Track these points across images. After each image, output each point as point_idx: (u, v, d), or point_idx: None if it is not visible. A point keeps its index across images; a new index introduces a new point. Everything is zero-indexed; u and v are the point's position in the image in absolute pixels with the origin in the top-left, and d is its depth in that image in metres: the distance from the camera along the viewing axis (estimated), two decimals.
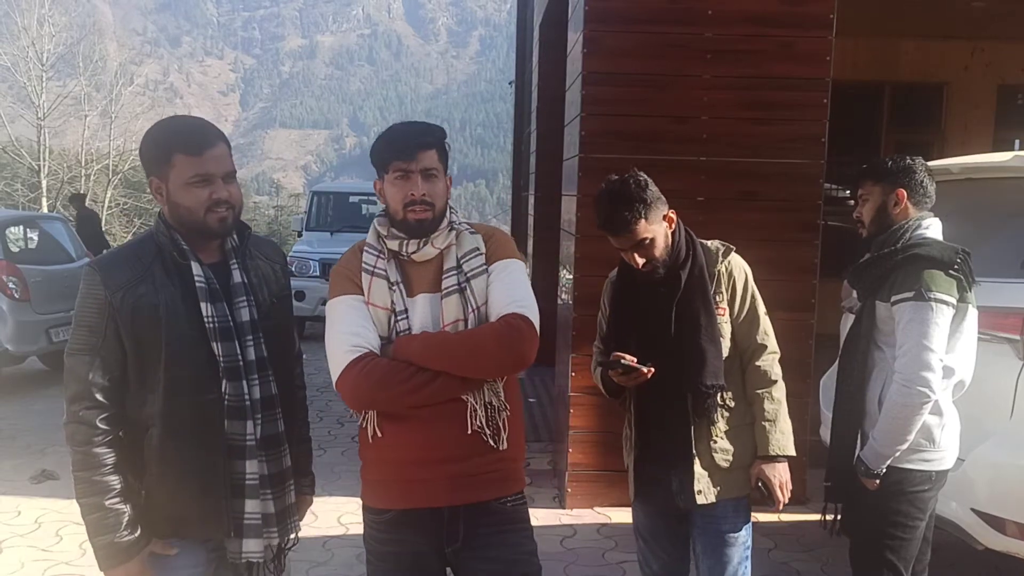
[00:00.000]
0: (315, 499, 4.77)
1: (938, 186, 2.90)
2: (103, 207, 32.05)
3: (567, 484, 4.85)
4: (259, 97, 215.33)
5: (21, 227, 8.92)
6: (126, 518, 2.02)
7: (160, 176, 2.05)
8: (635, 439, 2.65)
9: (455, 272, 2.13)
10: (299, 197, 53.19)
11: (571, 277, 4.81)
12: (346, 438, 6.35)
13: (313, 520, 4.57)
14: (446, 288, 2.11)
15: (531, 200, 8.97)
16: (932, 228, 2.82)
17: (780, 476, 2.54)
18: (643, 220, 2.44)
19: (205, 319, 2.02)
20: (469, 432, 2.07)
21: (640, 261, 2.49)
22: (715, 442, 2.54)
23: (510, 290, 2.12)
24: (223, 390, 2.04)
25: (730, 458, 2.56)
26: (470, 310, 2.09)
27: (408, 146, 2.11)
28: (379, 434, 2.11)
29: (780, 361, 2.66)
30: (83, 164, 31.86)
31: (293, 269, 11.02)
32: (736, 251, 2.64)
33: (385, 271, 2.13)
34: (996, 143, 8.95)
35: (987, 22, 8.39)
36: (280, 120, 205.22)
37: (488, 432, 2.09)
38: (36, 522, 4.58)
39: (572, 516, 4.74)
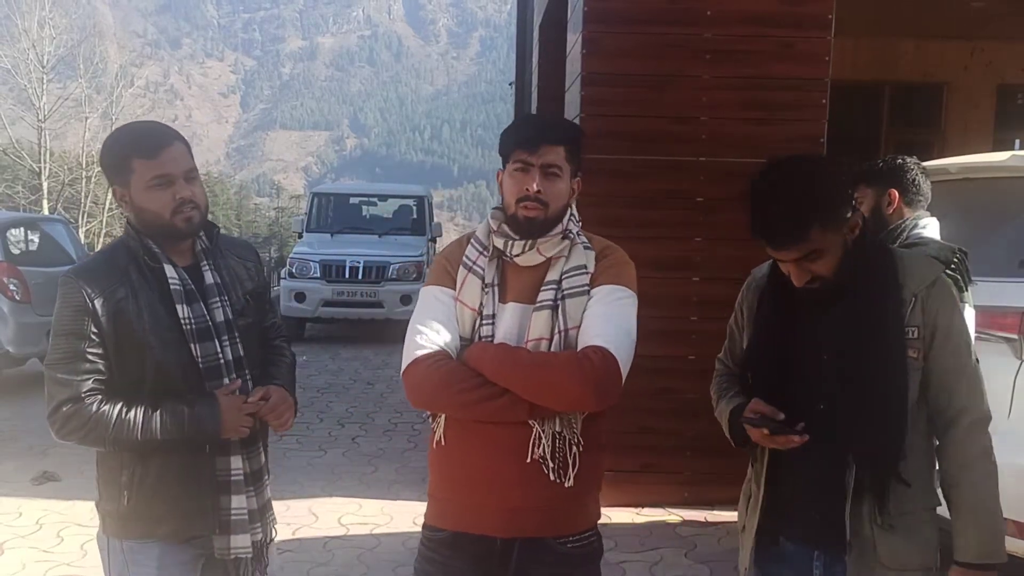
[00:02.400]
0: (315, 500, 4.80)
1: (936, 186, 2.91)
2: (104, 209, 32.11)
3: None
4: (260, 99, 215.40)
5: (22, 229, 8.94)
6: (170, 410, 1.99)
7: (122, 184, 2.04)
8: (764, 502, 2.02)
9: (554, 287, 1.96)
10: (300, 198, 53.29)
11: None
12: (346, 439, 6.36)
13: (314, 521, 4.59)
14: (540, 302, 1.95)
15: None
16: (929, 227, 2.83)
17: None
18: (815, 229, 1.81)
19: (182, 321, 2.03)
20: (529, 460, 1.91)
21: (800, 277, 1.89)
22: (882, 530, 1.88)
23: (603, 321, 1.92)
24: (205, 390, 2.05)
25: (898, 555, 1.89)
26: (557, 330, 1.93)
27: (533, 137, 1.96)
28: (443, 442, 2.01)
29: None
30: (84, 166, 31.88)
31: (294, 270, 11.06)
32: (947, 272, 2.04)
33: (483, 270, 2.00)
34: (996, 143, 8.95)
35: (986, 22, 8.40)
36: (280, 121, 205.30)
37: (551, 464, 1.92)
38: (37, 523, 4.58)
39: None
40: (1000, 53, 9.34)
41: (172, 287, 2.04)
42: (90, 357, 1.98)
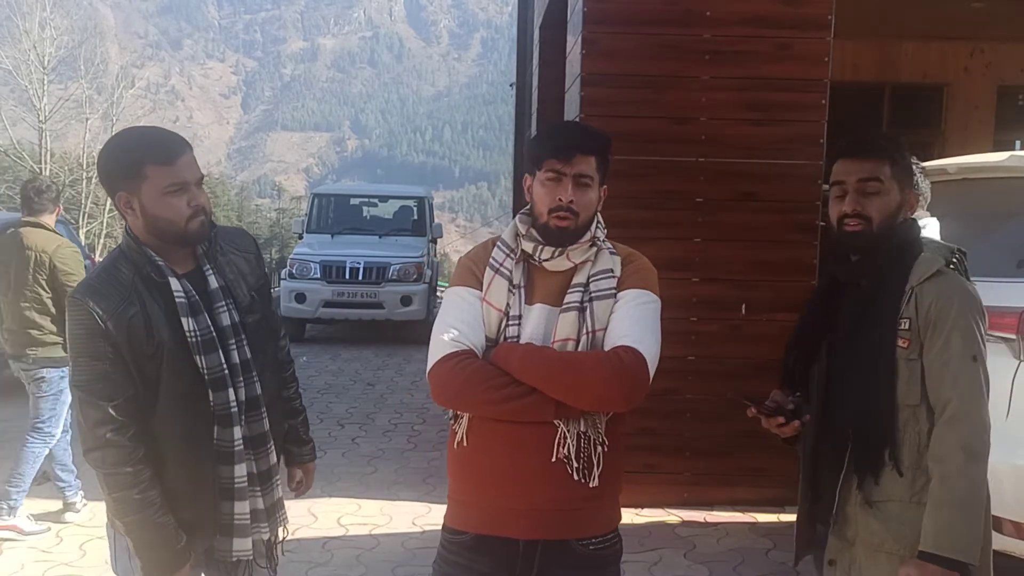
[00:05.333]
0: (315, 500, 4.81)
1: (935, 186, 2.91)
2: (104, 210, 32.12)
3: None
4: (261, 100, 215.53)
5: None
6: (173, 529, 2.03)
7: (130, 190, 2.00)
8: (802, 489, 2.21)
9: (581, 289, 1.99)
10: (301, 200, 53.31)
11: None
12: (346, 440, 6.36)
13: (313, 521, 4.59)
14: (567, 303, 1.98)
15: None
16: (929, 228, 2.83)
17: None
18: (888, 160, 2.04)
19: (187, 333, 2.02)
20: (553, 460, 1.92)
21: (852, 203, 2.03)
22: (863, 509, 2.02)
23: (632, 323, 1.95)
24: (210, 400, 2.06)
25: (873, 535, 2.02)
26: (584, 331, 1.95)
27: (567, 147, 1.98)
28: (465, 443, 2.01)
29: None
30: (84, 167, 31.90)
31: (294, 271, 11.06)
32: (945, 273, 2.01)
33: (510, 272, 2.02)
34: (996, 144, 8.95)
35: (986, 23, 8.40)
36: (282, 123, 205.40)
37: (575, 464, 1.93)
38: (37, 523, 4.58)
39: None
40: (1000, 54, 9.34)
41: (177, 300, 2.03)
42: (114, 377, 1.97)
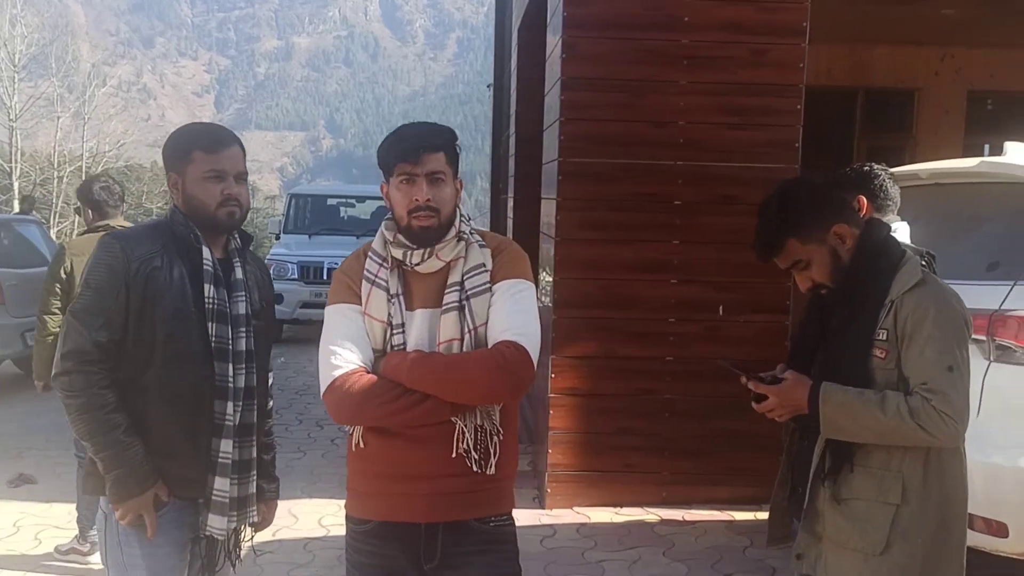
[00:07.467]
0: (296, 501, 4.82)
1: (907, 191, 2.98)
2: (74, 209, 31.72)
3: (547, 484, 4.90)
4: (234, 98, 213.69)
5: None
6: (141, 452, 2.12)
7: (178, 171, 2.22)
8: (780, 478, 2.28)
9: (457, 288, 2.03)
10: (275, 199, 52.87)
11: (551, 279, 4.86)
12: (326, 440, 6.36)
13: (294, 522, 4.59)
14: (446, 304, 2.02)
15: (510, 203, 9.01)
16: (899, 232, 2.90)
17: (785, 395, 2.08)
18: (790, 242, 2.12)
19: (206, 299, 2.16)
20: (454, 455, 2.00)
21: (802, 283, 2.17)
22: (832, 506, 2.09)
23: (510, 315, 2.01)
24: (214, 369, 2.17)
25: (839, 532, 2.08)
26: (467, 330, 2.00)
27: (414, 148, 2.01)
28: (363, 445, 2.07)
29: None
30: (55, 166, 31.52)
31: (271, 272, 11.01)
32: (927, 283, 2.06)
33: (386, 281, 2.05)
34: (966, 148, 9.10)
35: (956, 29, 8.55)
36: (256, 122, 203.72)
37: (475, 456, 2.02)
38: (14, 526, 4.55)
39: (552, 516, 4.79)
40: (970, 59, 9.50)
41: (205, 267, 2.17)
42: (110, 315, 2.10)
